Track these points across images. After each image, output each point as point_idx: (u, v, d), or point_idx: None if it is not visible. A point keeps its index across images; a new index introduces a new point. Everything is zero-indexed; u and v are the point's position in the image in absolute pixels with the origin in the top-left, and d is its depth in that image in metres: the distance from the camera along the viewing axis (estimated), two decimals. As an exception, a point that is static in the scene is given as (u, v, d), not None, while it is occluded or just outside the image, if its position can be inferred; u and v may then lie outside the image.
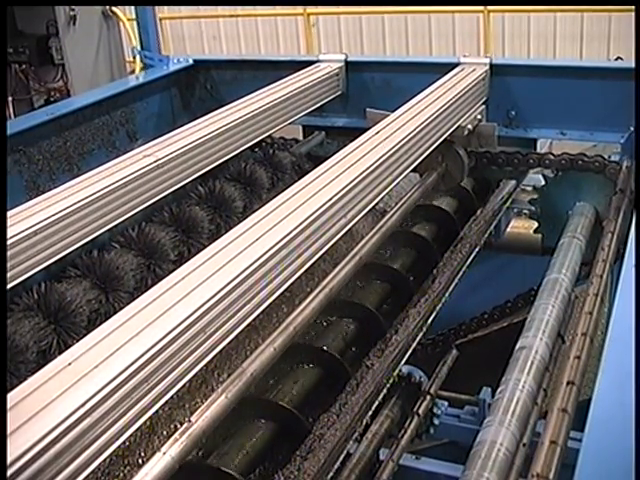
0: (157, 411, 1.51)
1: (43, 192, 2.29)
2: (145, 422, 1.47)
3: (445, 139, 2.96)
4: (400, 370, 2.40)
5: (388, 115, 2.80)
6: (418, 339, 2.45)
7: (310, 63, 3.62)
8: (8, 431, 1.20)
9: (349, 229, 2.23)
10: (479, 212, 3.27)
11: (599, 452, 1.35)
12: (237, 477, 1.83)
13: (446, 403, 2.81)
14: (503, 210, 3.40)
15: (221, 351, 1.69)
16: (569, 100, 3.25)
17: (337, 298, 2.43)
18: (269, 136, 3.25)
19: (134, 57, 5.18)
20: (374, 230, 2.68)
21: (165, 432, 2.02)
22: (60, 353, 1.45)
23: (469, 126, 3.16)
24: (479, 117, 3.28)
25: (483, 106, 3.33)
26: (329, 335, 2.43)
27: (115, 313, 1.58)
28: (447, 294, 2.67)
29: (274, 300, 1.87)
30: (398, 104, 2.90)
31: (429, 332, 2.76)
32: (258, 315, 1.81)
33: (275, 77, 3.38)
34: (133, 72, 5.85)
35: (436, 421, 2.75)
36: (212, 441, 1.94)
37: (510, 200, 3.46)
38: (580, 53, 10.34)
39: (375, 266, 2.75)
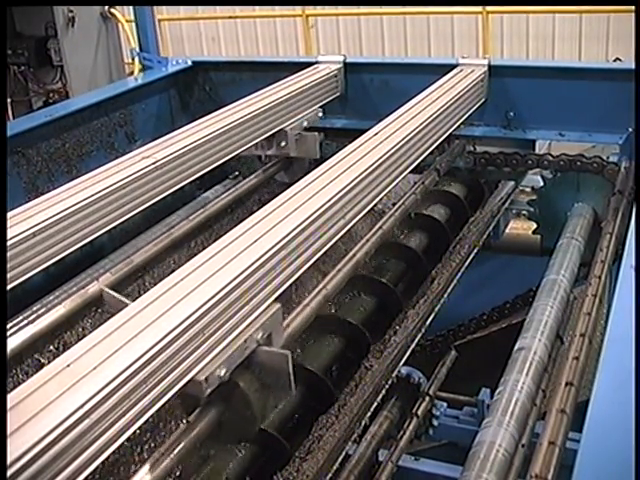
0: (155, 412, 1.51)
1: (42, 194, 2.29)
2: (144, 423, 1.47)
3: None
4: (399, 371, 2.40)
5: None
6: (417, 340, 2.44)
7: (309, 64, 3.63)
8: (8, 431, 1.21)
9: (348, 230, 2.23)
10: (478, 213, 3.26)
11: (597, 453, 1.35)
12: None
13: (445, 404, 2.81)
14: (502, 211, 3.40)
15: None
16: (568, 101, 3.24)
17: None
18: (268, 137, 3.25)
19: (133, 59, 5.17)
20: (372, 231, 2.68)
21: (163, 433, 2.02)
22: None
23: None
24: None
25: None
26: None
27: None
28: (446, 295, 2.67)
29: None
30: (397, 105, 2.91)
31: (428, 333, 2.75)
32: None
33: (274, 78, 3.38)
34: (132, 73, 5.84)
35: (435, 422, 2.76)
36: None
37: (509, 201, 3.47)
38: (579, 54, 10.35)
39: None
